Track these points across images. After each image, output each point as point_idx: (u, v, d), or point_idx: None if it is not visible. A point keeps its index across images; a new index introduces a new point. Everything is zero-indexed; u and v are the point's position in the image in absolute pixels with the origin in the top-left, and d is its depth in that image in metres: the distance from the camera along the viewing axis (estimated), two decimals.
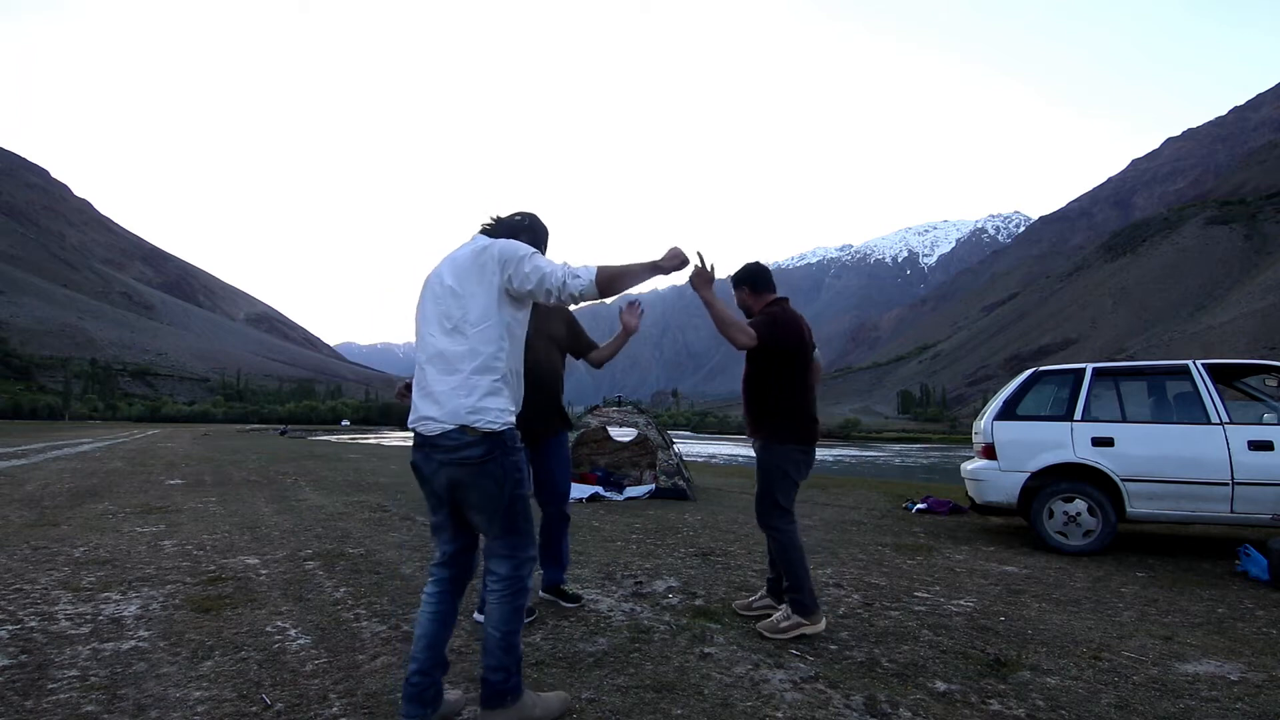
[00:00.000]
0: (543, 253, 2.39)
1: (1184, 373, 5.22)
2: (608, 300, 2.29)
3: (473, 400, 2.03)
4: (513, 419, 2.11)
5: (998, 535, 5.94)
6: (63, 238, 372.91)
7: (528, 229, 2.40)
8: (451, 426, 2.01)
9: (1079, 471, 5.13)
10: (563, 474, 3.46)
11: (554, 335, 3.43)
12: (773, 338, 3.10)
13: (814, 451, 3.23)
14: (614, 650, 2.83)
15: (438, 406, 2.04)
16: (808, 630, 2.99)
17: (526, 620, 2.62)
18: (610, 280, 2.08)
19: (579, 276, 2.06)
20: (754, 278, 3.34)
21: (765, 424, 3.19)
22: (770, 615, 3.20)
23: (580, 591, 3.68)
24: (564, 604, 3.47)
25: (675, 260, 2.22)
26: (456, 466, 2.03)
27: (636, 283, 2.15)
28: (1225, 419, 4.90)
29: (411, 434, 2.14)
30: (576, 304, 2.16)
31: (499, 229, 2.34)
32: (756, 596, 3.45)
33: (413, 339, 2.26)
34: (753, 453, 3.28)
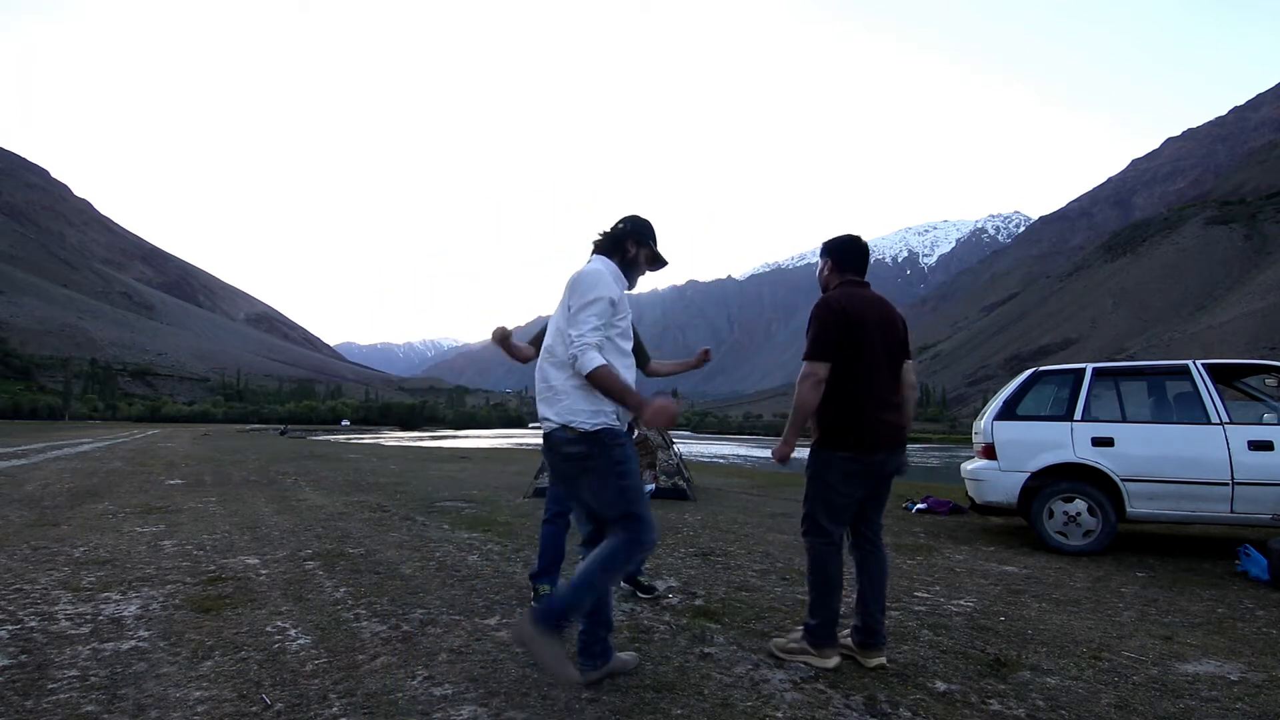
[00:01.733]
0: (651, 244, 2.60)
1: (1184, 373, 5.21)
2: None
3: (568, 402, 2.33)
4: (609, 419, 2.35)
5: (998, 535, 5.94)
6: (63, 238, 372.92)
7: (630, 233, 2.57)
8: (558, 425, 2.34)
9: (1079, 471, 5.13)
10: None
11: None
12: (815, 340, 2.69)
13: (874, 458, 2.66)
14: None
15: (549, 408, 2.38)
16: (814, 662, 2.67)
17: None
18: (600, 383, 2.23)
19: (579, 359, 2.24)
20: (836, 251, 2.88)
21: (815, 424, 2.76)
22: (851, 646, 2.75)
23: (655, 584, 3.84)
24: (641, 595, 3.66)
25: (655, 420, 2.24)
26: (564, 460, 2.37)
27: (615, 401, 2.28)
28: (1225, 419, 4.89)
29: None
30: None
31: (605, 243, 2.57)
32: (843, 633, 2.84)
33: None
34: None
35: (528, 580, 3.77)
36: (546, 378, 2.42)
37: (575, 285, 2.38)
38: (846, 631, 2.81)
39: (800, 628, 2.80)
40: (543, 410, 2.42)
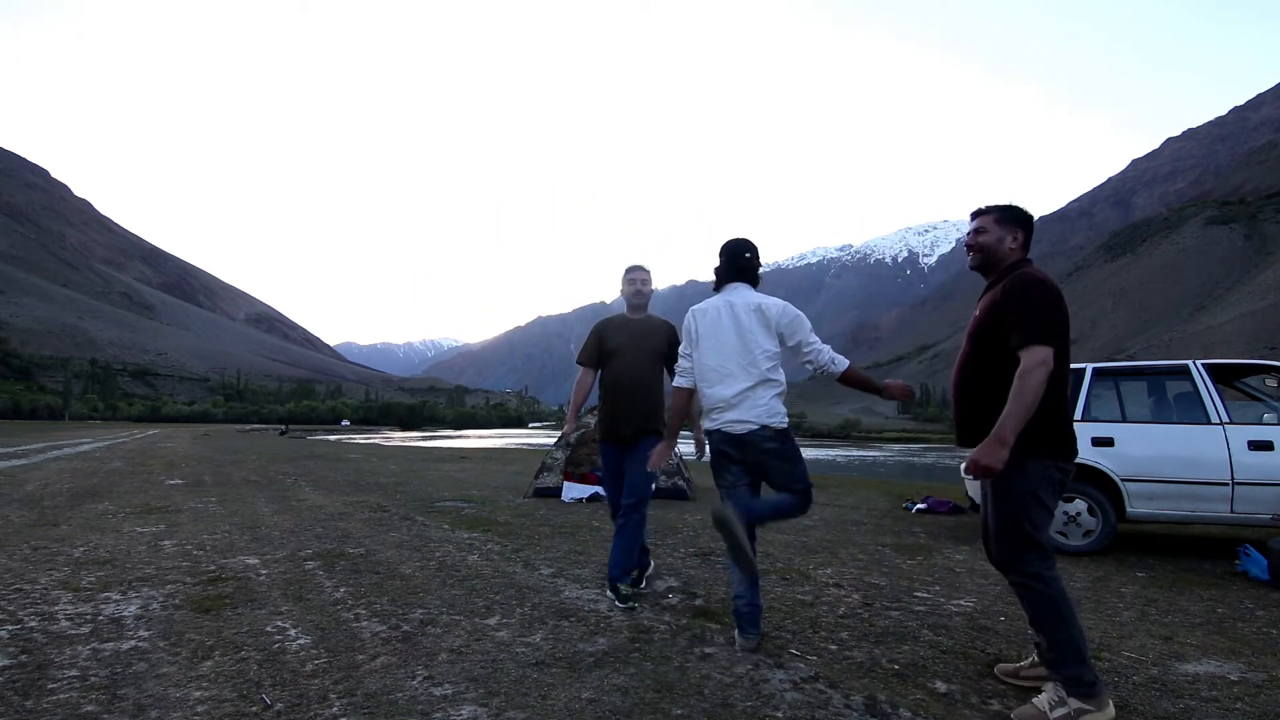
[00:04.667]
0: (759, 261, 3.12)
1: (1184, 373, 5.21)
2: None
3: (767, 407, 2.87)
4: (787, 420, 2.95)
5: None
6: (63, 238, 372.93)
7: (759, 263, 3.09)
8: (757, 426, 2.85)
9: (1079, 471, 5.12)
10: (642, 477, 3.59)
11: (655, 348, 3.72)
12: (1046, 321, 2.26)
13: (1072, 468, 2.42)
14: (614, 650, 2.83)
15: (748, 413, 2.86)
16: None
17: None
18: (855, 372, 2.96)
19: (835, 360, 2.91)
20: (1029, 225, 2.49)
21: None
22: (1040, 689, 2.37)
23: (633, 592, 3.59)
24: (617, 602, 3.47)
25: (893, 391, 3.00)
26: (761, 454, 2.88)
27: (861, 384, 3.00)
28: (1225, 419, 4.89)
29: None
30: (819, 373, 2.99)
31: (755, 276, 3.07)
32: (1027, 663, 2.57)
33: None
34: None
35: (609, 580, 3.61)
36: (748, 387, 2.87)
37: (796, 321, 2.91)
38: (1033, 656, 2.51)
39: (1050, 687, 2.27)
40: (732, 415, 2.89)
